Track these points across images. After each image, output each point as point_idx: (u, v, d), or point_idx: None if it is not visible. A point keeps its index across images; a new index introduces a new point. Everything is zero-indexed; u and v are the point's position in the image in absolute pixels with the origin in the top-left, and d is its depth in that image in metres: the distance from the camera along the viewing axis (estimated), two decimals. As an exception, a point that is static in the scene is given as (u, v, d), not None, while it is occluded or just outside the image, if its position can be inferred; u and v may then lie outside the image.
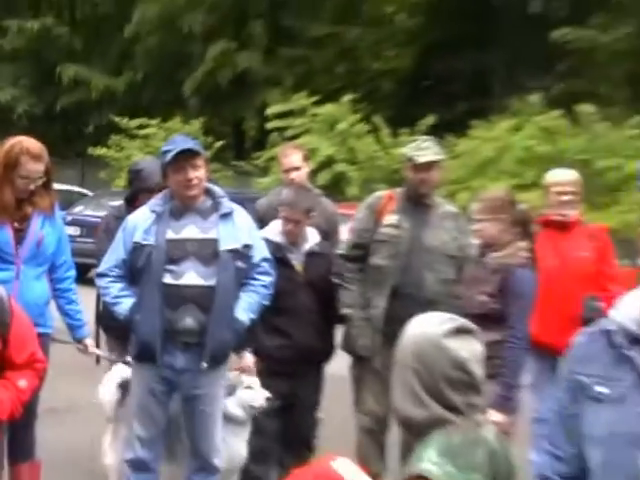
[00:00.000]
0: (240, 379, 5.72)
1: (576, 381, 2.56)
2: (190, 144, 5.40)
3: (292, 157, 6.75)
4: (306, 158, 6.76)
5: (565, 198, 6.58)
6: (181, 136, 6.66)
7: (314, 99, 22.72)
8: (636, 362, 2.46)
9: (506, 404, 5.27)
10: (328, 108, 22.42)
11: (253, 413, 5.69)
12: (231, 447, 5.64)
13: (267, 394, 5.67)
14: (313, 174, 16.71)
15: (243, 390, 5.68)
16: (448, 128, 20.33)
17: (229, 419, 5.58)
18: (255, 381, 5.74)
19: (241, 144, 29.72)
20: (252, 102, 27.77)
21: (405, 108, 24.66)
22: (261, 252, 5.47)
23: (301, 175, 6.64)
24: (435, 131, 18.29)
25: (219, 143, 24.79)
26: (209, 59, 28.72)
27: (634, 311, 2.51)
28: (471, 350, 2.70)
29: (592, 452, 2.51)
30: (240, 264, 5.32)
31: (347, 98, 22.63)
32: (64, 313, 5.84)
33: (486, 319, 4.89)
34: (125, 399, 5.77)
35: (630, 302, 2.55)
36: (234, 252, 5.29)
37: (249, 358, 5.80)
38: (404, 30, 28.87)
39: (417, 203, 5.89)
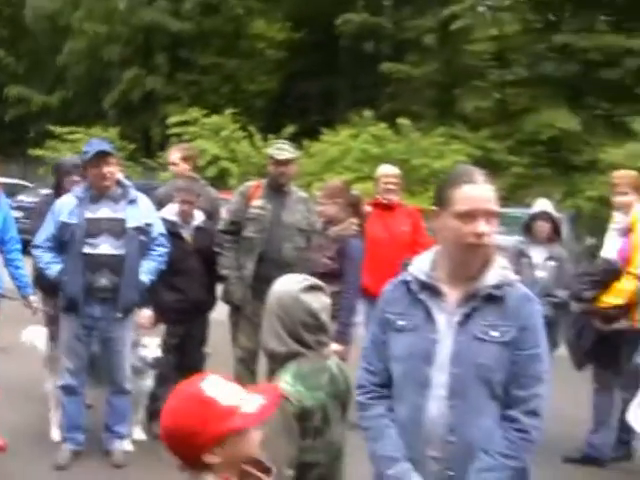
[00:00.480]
0: (140, 339, 5.66)
1: (385, 318, 2.60)
2: (105, 146, 5.36)
3: (171, 156, 6.64)
4: (185, 157, 6.54)
5: (390, 187, 6.68)
6: (97, 139, 6.49)
7: (204, 112, 22.52)
8: (425, 303, 2.51)
9: (343, 337, 5.33)
10: (215, 119, 22.26)
11: (148, 363, 5.63)
12: (137, 383, 5.63)
13: (157, 353, 5.63)
14: (203, 169, 16.68)
15: (141, 348, 5.64)
16: (305, 134, 20.55)
17: (132, 368, 5.55)
18: (151, 341, 5.68)
19: (148, 147, 29.16)
20: (157, 114, 27.32)
21: (273, 119, 24.64)
22: (159, 228, 5.45)
23: (178, 169, 6.49)
24: (295, 137, 18.38)
25: (132, 146, 24.57)
26: (124, 81, 28.32)
27: (424, 266, 2.56)
28: (321, 302, 2.75)
29: (395, 367, 2.55)
30: (143, 238, 5.31)
31: (229, 112, 22.49)
32: (13, 277, 5.77)
33: (328, 276, 4.93)
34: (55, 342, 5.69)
35: (422, 260, 2.60)
36: (138, 229, 5.27)
37: (147, 314, 5.70)
38: (272, 61, 28.97)
39: (277, 190, 5.88)
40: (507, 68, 25.38)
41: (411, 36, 26.68)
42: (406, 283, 2.58)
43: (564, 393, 6.80)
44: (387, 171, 6.91)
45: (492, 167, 21.01)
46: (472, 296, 2.48)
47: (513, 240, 6.62)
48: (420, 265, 2.58)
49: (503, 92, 25.30)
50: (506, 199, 19.64)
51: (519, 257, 6.17)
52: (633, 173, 5.86)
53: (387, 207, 6.70)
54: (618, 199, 5.61)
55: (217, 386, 1.96)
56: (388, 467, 2.49)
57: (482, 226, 2.41)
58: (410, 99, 24.89)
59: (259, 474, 2.05)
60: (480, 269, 2.49)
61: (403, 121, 20.06)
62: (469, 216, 2.41)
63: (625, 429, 5.48)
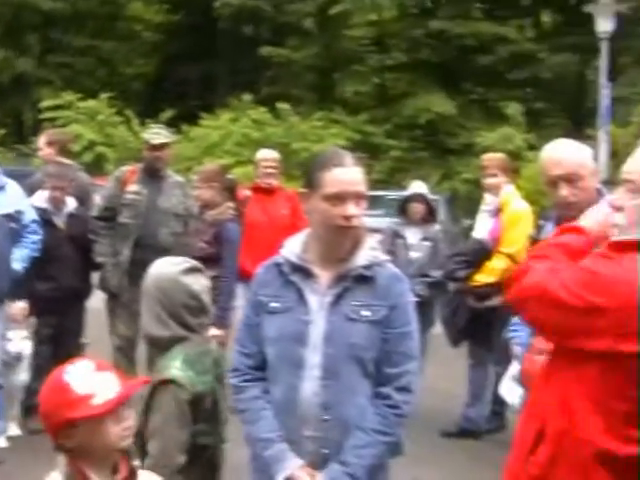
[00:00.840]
0: (6, 333, 5.45)
1: (257, 300, 2.61)
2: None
3: (39, 141, 6.46)
4: (50, 142, 6.32)
5: (269, 171, 6.69)
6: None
7: (79, 96, 21.84)
8: (297, 284, 2.54)
9: (223, 322, 5.32)
10: (90, 103, 21.59)
11: (15, 357, 5.45)
12: (9, 377, 5.45)
13: (23, 346, 5.45)
14: (78, 154, 16.22)
15: (6, 341, 5.42)
16: (184, 119, 20.28)
17: (2, 362, 5.35)
18: (16, 334, 5.47)
19: (20, 132, 28.10)
20: (29, 98, 26.25)
21: (151, 104, 24.18)
22: (30, 216, 5.30)
23: (43, 154, 6.33)
24: (174, 121, 18.15)
25: (2, 131, 23.50)
26: (-7, 64, 27.05)
27: (296, 248, 2.59)
28: (201, 284, 2.75)
29: (269, 349, 2.56)
30: (13, 225, 5.13)
31: (105, 96, 21.89)
32: None
33: (205, 261, 4.88)
34: None
35: (293, 242, 2.62)
36: (7, 216, 5.10)
37: (20, 305, 5.51)
38: (149, 44, 28.42)
39: (153, 175, 5.80)
40: (386, 53, 25.80)
41: (291, 20, 26.73)
42: (278, 265, 2.59)
43: (441, 369, 7.05)
44: (266, 155, 6.93)
45: (371, 151, 21.40)
46: (343, 277, 2.51)
47: (389, 222, 6.76)
48: (292, 247, 2.60)
49: (382, 77, 25.74)
50: (385, 182, 20.08)
51: (394, 238, 6.31)
52: (501, 156, 6.08)
53: (267, 191, 6.72)
54: (488, 181, 5.81)
55: (78, 373, 1.98)
56: (265, 448, 2.51)
57: (351, 209, 2.44)
58: (290, 83, 24.97)
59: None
60: (350, 250, 2.53)
61: (283, 105, 20.12)
62: (338, 199, 2.44)
63: (498, 402, 5.71)
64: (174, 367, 2.62)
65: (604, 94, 14.90)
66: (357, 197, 2.47)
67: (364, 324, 2.48)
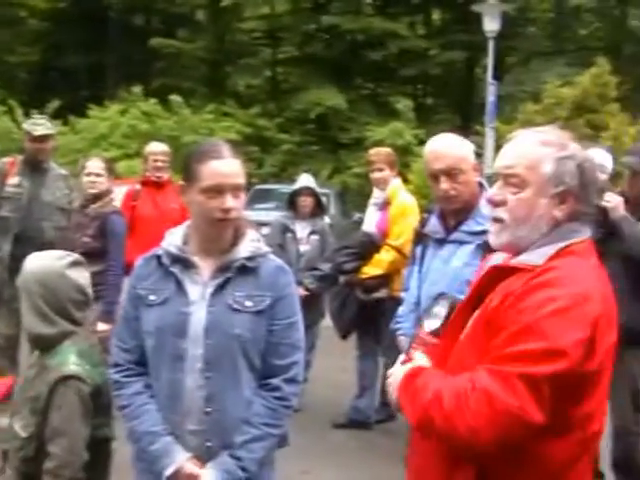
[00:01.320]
0: None
1: (136, 293, 2.57)
2: None
3: None
4: None
5: (159, 164, 6.59)
6: None
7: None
8: (177, 275, 2.52)
9: (109, 317, 5.21)
10: (-31, 93, 20.83)
11: None
12: None
13: None
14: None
15: None
16: (71, 110, 19.74)
17: None
18: None
19: None
20: None
21: (36, 93, 23.41)
22: None
23: None
24: (61, 112, 17.67)
25: None
26: None
27: (176, 239, 2.57)
28: (85, 277, 2.72)
29: (147, 342, 2.53)
30: None
31: (-14, 85, 21.16)
32: None
33: (89, 255, 4.78)
34: None
35: (174, 234, 2.61)
36: None
37: None
38: (34, 31, 27.48)
39: (35, 168, 5.63)
40: (278, 47, 25.86)
41: (182, 11, 26.44)
42: (158, 257, 2.57)
43: (331, 361, 7.12)
44: (156, 148, 6.83)
45: (262, 144, 21.45)
46: (225, 268, 2.50)
47: (279, 215, 6.78)
48: (172, 239, 2.58)
49: (274, 70, 25.78)
50: (277, 176, 20.14)
51: (283, 232, 6.33)
52: (387, 150, 6.18)
53: (157, 185, 6.62)
54: (374, 175, 5.90)
55: None
56: (151, 443, 2.47)
57: (228, 201, 2.42)
58: (181, 75, 24.69)
59: None
60: (232, 242, 2.52)
61: (174, 97, 19.86)
62: (215, 191, 2.42)
63: (387, 392, 5.81)
64: (71, 362, 2.59)
65: (490, 91, 15.33)
66: (235, 189, 2.45)
67: (247, 314, 2.47)
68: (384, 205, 5.82)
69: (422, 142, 17.54)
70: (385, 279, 5.71)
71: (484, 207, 3.65)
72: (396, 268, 5.54)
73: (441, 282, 3.63)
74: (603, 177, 4.71)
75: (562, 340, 1.79)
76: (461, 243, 3.65)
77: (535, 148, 2.01)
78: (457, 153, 3.59)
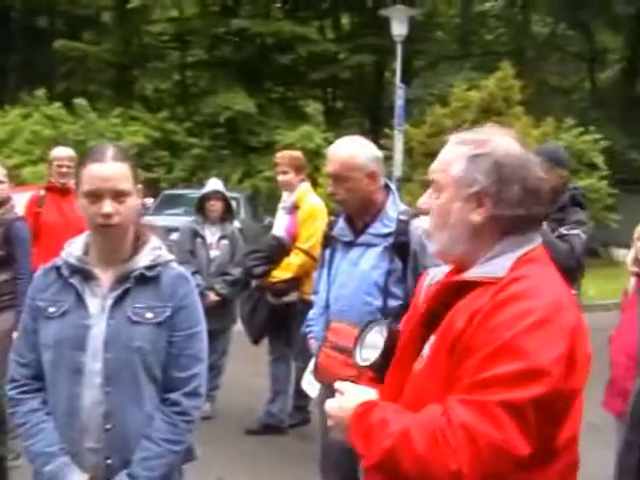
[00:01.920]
0: None
1: (35, 305, 2.49)
2: None
3: None
4: None
5: (64, 170, 6.43)
6: None
7: None
8: (76, 287, 2.44)
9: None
10: None
11: None
12: None
13: None
14: None
15: None
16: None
17: None
18: None
19: None
20: None
21: None
22: None
23: None
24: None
25: None
26: None
27: (76, 249, 2.50)
28: None
29: (45, 355, 2.45)
30: None
31: None
32: None
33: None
34: None
35: (75, 243, 2.53)
36: None
37: None
38: None
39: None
40: (187, 50, 25.64)
41: (87, 13, 25.94)
42: (57, 268, 2.49)
43: (244, 367, 7.12)
44: (60, 153, 6.65)
45: (172, 149, 21.23)
46: (124, 278, 2.43)
47: (188, 221, 6.72)
48: (72, 249, 2.50)
49: (183, 74, 25.55)
50: (186, 180, 19.96)
51: (193, 237, 6.28)
52: (292, 153, 6.22)
53: (62, 191, 6.46)
54: (279, 178, 5.94)
55: None
56: (45, 463, 2.39)
57: (106, 206, 2.34)
58: (87, 79, 24.23)
59: None
60: (131, 251, 2.46)
61: (79, 101, 19.46)
62: (94, 196, 2.35)
63: (301, 396, 5.84)
64: None
65: (399, 95, 15.55)
66: (116, 194, 2.36)
67: (147, 326, 2.40)
68: (293, 209, 5.84)
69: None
70: (295, 282, 5.72)
71: (391, 209, 3.73)
72: (306, 271, 5.57)
73: (349, 285, 3.68)
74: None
75: (542, 358, 1.60)
76: (369, 246, 3.69)
77: (450, 149, 1.89)
78: (345, 159, 3.64)
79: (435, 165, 1.90)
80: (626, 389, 3.85)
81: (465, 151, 1.83)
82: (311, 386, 4.66)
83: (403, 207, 3.81)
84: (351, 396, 1.85)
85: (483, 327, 1.66)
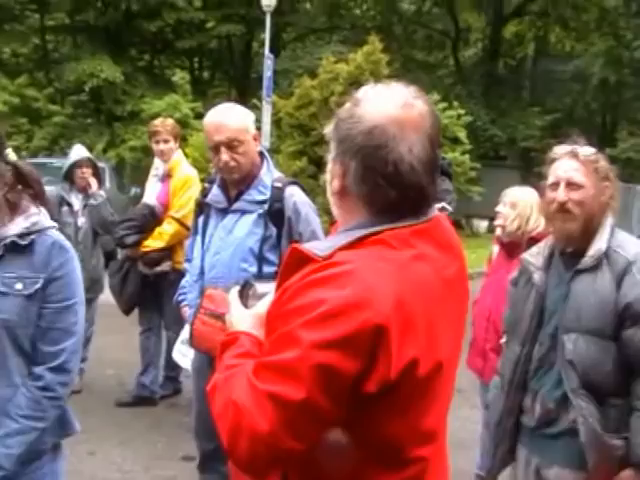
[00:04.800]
0: None
1: None
2: None
3: None
4: None
5: None
6: None
7: None
8: None
9: None
10: None
11: None
12: None
13: None
14: None
15: None
16: None
17: None
18: None
19: None
20: None
21: None
22: None
23: None
24: None
25: None
26: None
27: None
28: None
29: None
30: None
31: None
32: None
33: None
34: None
35: None
36: None
37: None
38: None
39: None
40: (47, 13, 24.63)
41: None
42: None
43: (114, 339, 7.03)
44: None
45: (32, 116, 20.46)
46: None
47: (54, 189, 6.54)
48: None
49: (43, 38, 24.56)
50: (48, 149, 19.31)
51: (60, 205, 6.13)
52: (172, 121, 6.13)
53: None
54: (160, 147, 5.76)
55: None
56: None
57: None
58: None
59: None
60: (8, 219, 2.30)
61: None
62: None
63: (172, 366, 5.84)
64: None
65: (267, 66, 15.53)
66: None
67: (17, 298, 2.27)
68: (165, 177, 5.78)
69: (199, 115, 17.56)
70: (168, 252, 5.69)
71: (265, 176, 3.78)
72: (178, 240, 5.55)
73: (225, 251, 3.71)
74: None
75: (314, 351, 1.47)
76: (243, 212, 3.72)
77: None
78: (236, 124, 3.66)
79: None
80: (484, 350, 4.12)
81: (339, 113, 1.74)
82: (182, 356, 4.68)
83: (277, 174, 3.87)
84: (232, 319, 1.79)
85: (283, 308, 1.55)
